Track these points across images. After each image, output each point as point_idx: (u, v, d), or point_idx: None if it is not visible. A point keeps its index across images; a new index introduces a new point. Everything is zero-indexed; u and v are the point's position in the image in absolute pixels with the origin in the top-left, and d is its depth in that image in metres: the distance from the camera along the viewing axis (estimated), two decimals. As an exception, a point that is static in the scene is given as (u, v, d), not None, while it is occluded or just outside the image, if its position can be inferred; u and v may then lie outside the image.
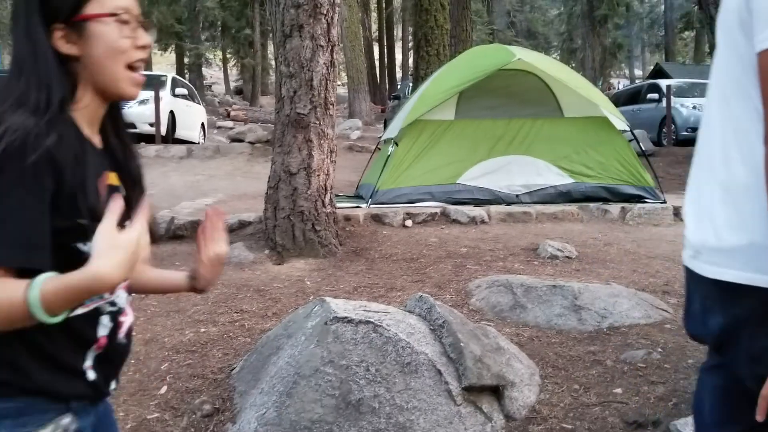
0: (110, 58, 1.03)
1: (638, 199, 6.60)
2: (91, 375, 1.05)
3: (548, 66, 7.17)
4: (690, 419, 2.26)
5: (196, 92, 16.67)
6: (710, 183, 1.13)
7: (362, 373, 2.30)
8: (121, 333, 1.10)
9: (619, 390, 2.58)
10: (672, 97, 13.19)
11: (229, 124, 19.73)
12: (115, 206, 0.92)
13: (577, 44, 33.19)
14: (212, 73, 39.02)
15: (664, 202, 6.52)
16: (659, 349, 2.91)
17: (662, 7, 35.08)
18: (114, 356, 1.10)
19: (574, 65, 31.17)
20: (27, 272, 0.89)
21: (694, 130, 12.89)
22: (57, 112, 0.97)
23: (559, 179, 6.77)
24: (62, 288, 0.88)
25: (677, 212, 6.05)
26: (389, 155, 6.69)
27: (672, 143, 12.74)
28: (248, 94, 30.73)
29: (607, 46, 31.04)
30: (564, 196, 6.69)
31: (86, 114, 1.05)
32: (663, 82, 14.73)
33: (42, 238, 0.92)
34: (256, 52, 28.96)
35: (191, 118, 14.21)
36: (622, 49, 33.83)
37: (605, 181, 6.71)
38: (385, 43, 34.82)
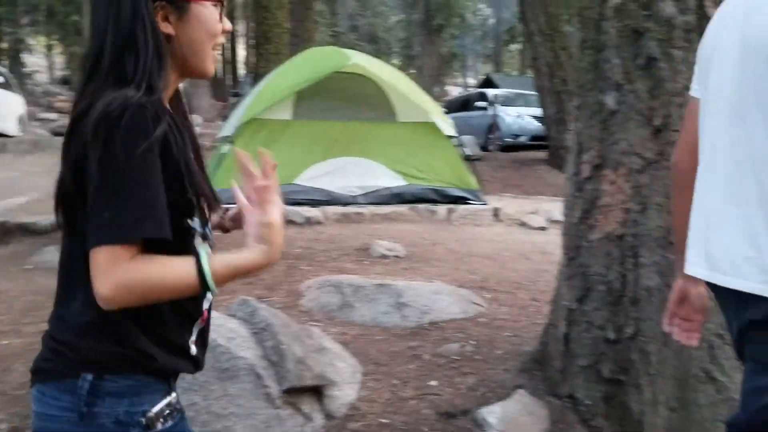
0: (207, 41, 1.06)
1: (463, 200, 7.02)
2: (194, 350, 1.10)
3: (383, 71, 7.39)
4: (495, 407, 2.45)
5: (12, 81, 15.11)
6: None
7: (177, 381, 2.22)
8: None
9: (434, 382, 2.73)
10: (498, 105, 14.19)
11: (53, 116, 18.13)
12: (276, 196, 1.02)
13: (416, 51, 34.56)
14: (35, 61, 35.60)
15: (486, 204, 6.99)
16: (472, 342, 3.12)
17: (493, 20, 37.59)
18: (208, 329, 1.15)
19: (413, 71, 32.40)
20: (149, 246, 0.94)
21: (517, 136, 13.96)
22: (159, 90, 0.99)
23: (393, 181, 7.01)
24: (232, 266, 0.96)
25: (496, 213, 6.53)
26: (224, 154, 6.53)
27: (497, 149, 13.69)
28: (75, 84, 28.38)
29: (443, 54, 32.68)
30: (397, 197, 6.94)
31: (167, 93, 1.07)
32: (490, 92, 15.79)
33: (165, 212, 0.94)
34: (85, 39, 26.79)
35: (5, 109, 12.88)
36: (457, 58, 35.79)
37: (434, 183, 7.06)
38: (228, 39, 33.85)
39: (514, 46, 35.49)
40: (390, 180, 7.01)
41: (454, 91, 33.21)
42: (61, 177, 0.98)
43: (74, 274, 0.99)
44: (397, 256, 4.82)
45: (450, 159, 7.19)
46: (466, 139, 12.55)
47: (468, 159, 7.71)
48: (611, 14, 2.53)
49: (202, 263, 0.94)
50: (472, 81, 44.17)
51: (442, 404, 2.55)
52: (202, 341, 1.12)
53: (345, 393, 2.56)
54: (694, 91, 1.42)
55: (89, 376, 0.97)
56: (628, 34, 2.50)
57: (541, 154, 12.20)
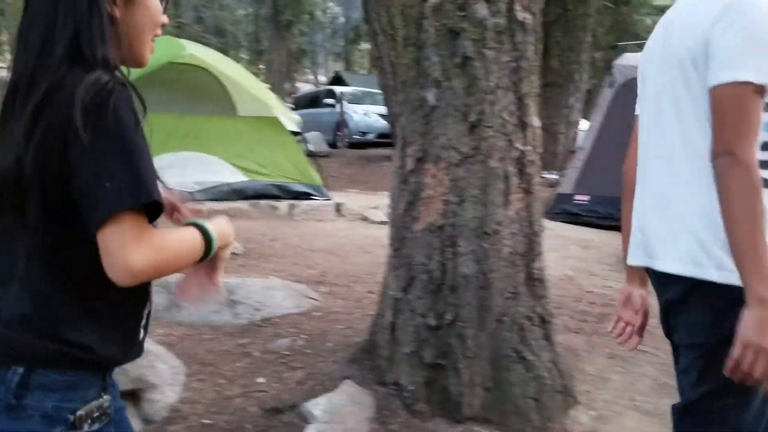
0: (148, 29, 1.08)
1: (306, 196, 7.00)
2: (141, 333, 1.08)
3: (221, 64, 7.17)
4: (320, 399, 2.45)
5: None
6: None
7: None
8: None
9: (262, 379, 2.68)
10: (346, 103, 14.34)
11: None
12: None
13: (264, 46, 34.02)
14: None
15: (329, 199, 7.03)
16: (304, 336, 3.11)
17: (342, 18, 37.95)
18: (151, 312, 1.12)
19: (262, 67, 31.86)
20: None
21: (365, 134, 14.21)
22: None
23: (234, 177, 6.82)
24: (224, 233, 1.06)
25: (339, 208, 6.59)
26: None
27: (345, 146, 13.85)
28: None
29: (292, 50, 32.45)
30: (238, 193, 6.76)
31: None
32: (338, 89, 15.94)
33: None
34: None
35: None
36: (306, 54, 35.70)
37: (277, 179, 6.97)
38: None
39: (365, 45, 36.16)
40: (230, 175, 6.81)
41: (305, 88, 33.15)
42: (16, 159, 0.94)
43: (7, 267, 0.97)
44: (234, 253, 4.69)
45: (292, 155, 7.14)
46: (314, 135, 12.57)
47: (312, 155, 7.70)
48: (430, 13, 2.63)
49: (208, 229, 1.02)
50: (323, 78, 44.38)
51: (268, 400, 2.51)
52: (147, 324, 1.10)
53: (165, 395, 2.44)
54: (637, 109, 1.55)
55: (20, 369, 0.95)
56: (445, 33, 2.61)
57: (387, 151, 12.50)
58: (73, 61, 0.95)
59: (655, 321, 4.08)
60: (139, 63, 1.11)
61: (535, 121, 2.75)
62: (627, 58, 8.03)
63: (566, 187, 7.74)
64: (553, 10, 10.60)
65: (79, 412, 0.98)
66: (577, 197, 7.50)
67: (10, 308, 0.96)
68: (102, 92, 0.92)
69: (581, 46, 11.01)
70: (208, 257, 1.02)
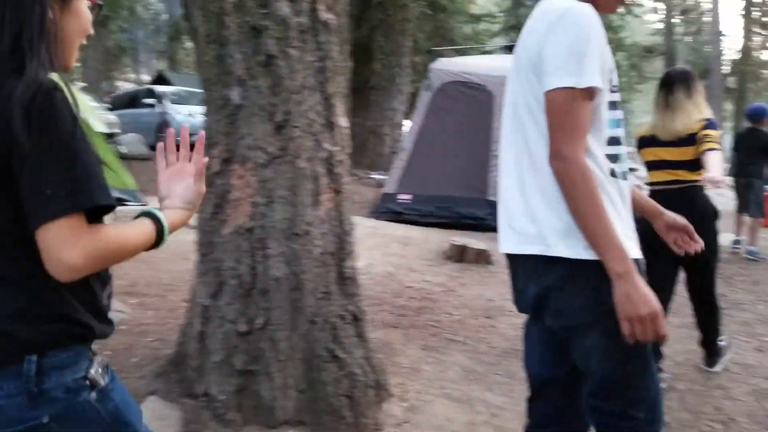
0: (78, 36, 1.14)
1: (119, 201, 6.54)
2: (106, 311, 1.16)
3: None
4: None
5: None
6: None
7: None
8: None
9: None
10: (170, 103, 13.65)
11: None
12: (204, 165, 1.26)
13: (78, 41, 31.37)
14: None
15: (145, 204, 6.63)
16: (107, 352, 2.88)
17: (166, 15, 36.12)
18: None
19: (77, 64, 29.39)
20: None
21: (189, 135, 13.62)
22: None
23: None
24: (176, 224, 1.16)
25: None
26: None
27: (168, 148, 13.18)
28: None
29: (110, 47, 30.31)
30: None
31: None
32: (160, 88, 15.12)
33: (106, 181, 1.01)
34: None
35: None
36: (126, 52, 33.52)
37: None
38: None
39: (190, 44, 34.68)
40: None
41: (126, 87, 31.09)
42: None
43: None
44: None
45: (104, 157, 6.62)
46: (132, 137, 11.81)
47: (126, 158, 7.22)
48: (231, 9, 2.55)
49: (162, 221, 1.10)
50: (145, 77, 41.92)
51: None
52: (109, 304, 1.17)
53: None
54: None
55: (33, 358, 1.01)
56: (247, 30, 2.54)
57: (213, 154, 12.10)
58: (15, 57, 0.98)
59: (467, 311, 4.32)
60: (65, 68, 1.13)
61: (343, 122, 2.78)
62: (443, 63, 8.47)
63: (390, 187, 8.00)
64: (375, 15, 10.92)
65: (91, 373, 1.08)
66: (400, 196, 7.77)
67: (4, 307, 1.02)
68: (40, 96, 0.95)
69: (402, 50, 11.45)
70: (162, 243, 1.10)
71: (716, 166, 2.99)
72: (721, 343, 3.43)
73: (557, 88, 1.35)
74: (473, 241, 5.71)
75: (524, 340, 1.67)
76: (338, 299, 2.66)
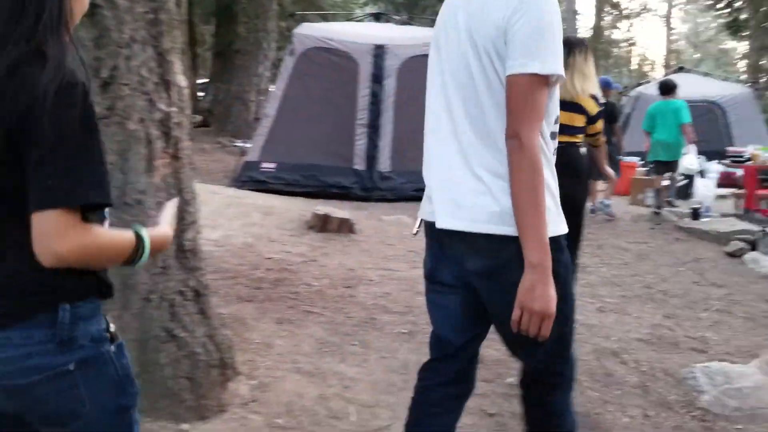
0: (78, 15, 1.15)
1: None
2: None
3: None
4: None
5: None
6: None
7: None
8: None
9: None
10: None
11: None
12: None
13: None
14: None
15: None
16: None
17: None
18: None
19: None
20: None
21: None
22: None
23: None
24: (157, 240, 1.18)
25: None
26: None
27: None
28: None
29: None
30: None
31: None
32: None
33: (109, 181, 1.07)
34: None
35: None
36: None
37: None
38: None
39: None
40: None
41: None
42: None
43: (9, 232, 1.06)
44: None
45: None
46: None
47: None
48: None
49: (143, 235, 1.13)
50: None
51: None
52: None
53: None
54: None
55: (66, 306, 1.08)
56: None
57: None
58: (34, 39, 1.01)
59: (326, 282, 4.24)
60: (74, 22, 1.15)
61: (181, 80, 2.55)
62: (307, 28, 8.24)
63: (253, 155, 7.72)
64: (238, -24, 10.41)
65: (111, 329, 1.17)
66: (264, 165, 7.53)
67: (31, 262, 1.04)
68: (64, 89, 0.99)
69: (268, 14, 11.05)
70: (138, 262, 1.12)
71: (603, 161, 3.85)
72: None
73: (521, 74, 1.37)
74: (336, 210, 5.63)
75: (435, 309, 1.70)
76: (177, 274, 2.46)
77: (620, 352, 3.34)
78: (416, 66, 8.25)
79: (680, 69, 13.08)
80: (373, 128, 8.13)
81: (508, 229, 1.42)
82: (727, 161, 8.80)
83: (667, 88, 7.50)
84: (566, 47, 3.39)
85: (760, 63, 22.81)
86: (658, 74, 24.85)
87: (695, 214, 6.39)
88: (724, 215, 7.03)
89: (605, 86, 7.18)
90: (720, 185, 8.86)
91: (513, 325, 1.41)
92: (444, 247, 1.57)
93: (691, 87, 11.69)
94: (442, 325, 1.70)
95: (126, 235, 1.11)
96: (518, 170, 1.38)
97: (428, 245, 1.66)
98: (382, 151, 8.08)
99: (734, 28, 20.87)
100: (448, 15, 1.55)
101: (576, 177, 3.23)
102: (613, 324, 3.80)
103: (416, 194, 7.64)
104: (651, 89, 11.21)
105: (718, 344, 3.55)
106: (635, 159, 9.25)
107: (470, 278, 1.54)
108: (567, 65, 3.35)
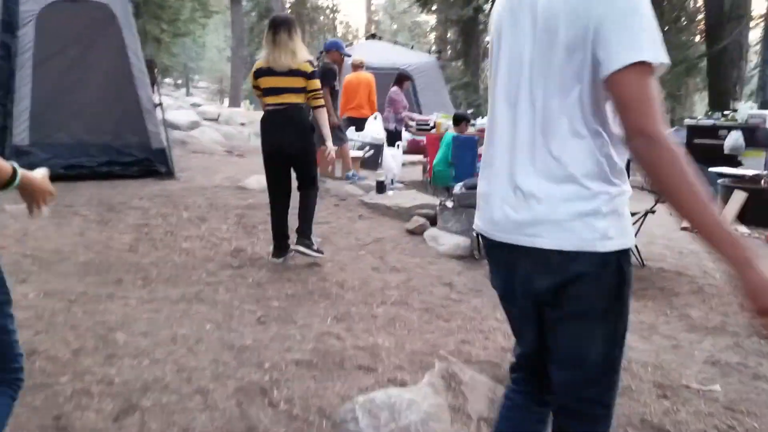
0: None
1: None
2: None
3: None
4: None
5: None
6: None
7: None
8: None
9: None
10: None
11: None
12: None
13: None
14: None
15: None
16: None
17: None
18: None
19: None
20: None
21: None
22: None
23: None
24: (26, 179, 1.46)
25: None
26: None
27: None
28: None
29: None
30: None
31: None
32: None
33: None
34: None
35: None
36: None
37: None
38: None
39: None
40: None
41: None
42: None
43: None
44: None
45: None
46: None
47: None
48: None
49: (18, 169, 1.41)
50: None
51: None
52: None
53: None
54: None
55: None
56: None
57: None
58: None
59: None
60: None
61: None
62: None
63: None
64: None
65: None
66: None
67: None
68: None
69: None
70: (10, 186, 1.40)
71: (326, 126, 4.42)
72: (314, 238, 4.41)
73: (635, 63, 1.17)
74: None
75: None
76: None
77: (271, 388, 2.59)
78: (59, 13, 6.66)
79: (372, 36, 13.13)
80: (5, 91, 6.38)
81: (596, 244, 1.29)
82: (413, 128, 8.85)
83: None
84: (272, 27, 4.14)
85: (447, 36, 24.78)
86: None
87: (380, 187, 6.07)
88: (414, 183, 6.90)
89: (336, 49, 7.12)
90: (409, 153, 8.91)
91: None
92: (510, 263, 1.43)
93: (382, 54, 11.80)
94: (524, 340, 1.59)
95: (6, 164, 1.39)
96: (662, 171, 1.18)
97: None
98: (18, 120, 6.39)
99: (422, 1, 22.10)
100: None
101: (302, 133, 4.17)
102: (270, 341, 3.06)
103: (65, 173, 6.17)
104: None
105: (389, 354, 3.01)
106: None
107: None
108: (274, 42, 4.13)
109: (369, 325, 3.38)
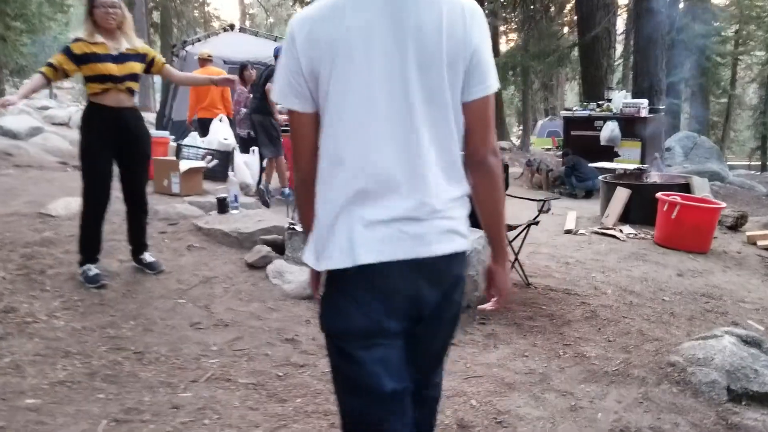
0: None
1: None
2: None
3: None
4: None
5: None
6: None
7: None
8: None
9: None
10: None
11: None
12: None
13: None
14: None
15: None
16: None
17: None
18: None
19: None
20: None
21: None
22: None
23: None
24: None
25: None
26: None
27: None
28: None
29: None
30: None
31: None
32: None
33: None
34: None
35: None
36: None
37: None
38: None
39: None
40: None
41: None
42: None
43: None
44: None
45: None
46: None
47: None
48: None
49: None
50: None
51: None
52: None
53: None
54: (297, 105, 1.32)
55: None
56: None
57: None
58: None
59: None
60: None
61: None
62: None
63: None
64: None
65: None
66: None
67: None
68: None
69: None
70: None
71: None
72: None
73: (493, 92, 1.36)
74: None
75: (378, 368, 1.31)
76: None
77: None
78: None
79: (231, 28, 11.91)
80: None
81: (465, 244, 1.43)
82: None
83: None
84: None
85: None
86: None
87: (221, 206, 5.00)
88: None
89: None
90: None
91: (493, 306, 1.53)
92: (408, 281, 1.34)
93: (242, 47, 10.67)
94: (381, 382, 1.36)
95: None
96: (500, 181, 1.42)
97: None
98: None
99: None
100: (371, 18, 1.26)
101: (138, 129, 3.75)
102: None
103: None
104: (200, 48, 9.72)
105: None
106: (167, 133, 7.63)
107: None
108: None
109: (163, 426, 2.37)
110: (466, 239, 1.37)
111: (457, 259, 1.36)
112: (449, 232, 1.32)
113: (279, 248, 4.23)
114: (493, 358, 3.16)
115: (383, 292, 1.27)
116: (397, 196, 1.26)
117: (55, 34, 27.85)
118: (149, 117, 17.92)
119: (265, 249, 4.10)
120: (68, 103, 27.56)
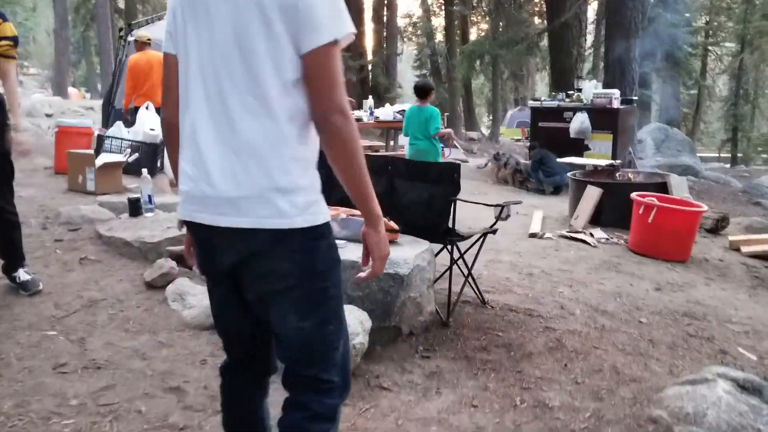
0: None
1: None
2: None
3: None
4: None
5: None
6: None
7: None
8: None
9: None
10: None
11: None
12: None
13: None
14: None
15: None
16: None
17: None
18: None
19: None
20: None
21: None
22: None
23: None
24: None
25: None
26: None
27: None
28: None
29: None
30: None
31: None
32: None
33: None
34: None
35: None
36: None
37: None
38: None
39: None
40: None
41: None
42: None
43: None
44: None
45: None
46: None
47: None
48: None
49: None
50: None
51: None
52: None
53: None
54: (170, 47, 1.44)
55: None
56: None
57: None
58: None
59: None
60: None
61: None
62: None
63: None
64: None
65: None
66: None
67: None
68: None
69: None
70: None
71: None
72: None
73: (328, 43, 1.28)
74: None
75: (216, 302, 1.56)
76: None
77: None
78: None
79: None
80: None
81: (282, 222, 1.35)
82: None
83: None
84: None
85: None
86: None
87: (134, 208, 4.28)
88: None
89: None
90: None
91: (358, 280, 1.50)
92: (206, 240, 1.44)
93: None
94: (221, 317, 1.62)
95: None
96: (351, 141, 1.32)
97: None
98: None
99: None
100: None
101: None
102: None
103: None
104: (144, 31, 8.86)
105: None
106: (89, 123, 6.82)
107: None
108: None
109: None
110: None
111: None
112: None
113: (177, 259, 3.52)
114: (433, 410, 2.52)
115: None
116: None
117: (20, 20, 26.62)
118: (93, 105, 16.82)
119: (168, 264, 3.39)
120: (34, 90, 26.30)
